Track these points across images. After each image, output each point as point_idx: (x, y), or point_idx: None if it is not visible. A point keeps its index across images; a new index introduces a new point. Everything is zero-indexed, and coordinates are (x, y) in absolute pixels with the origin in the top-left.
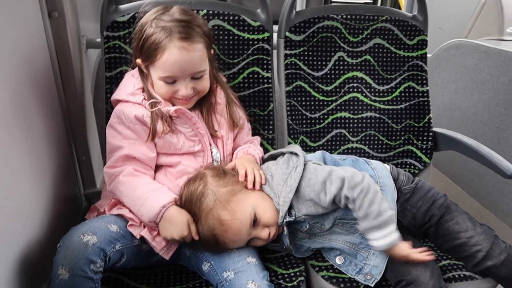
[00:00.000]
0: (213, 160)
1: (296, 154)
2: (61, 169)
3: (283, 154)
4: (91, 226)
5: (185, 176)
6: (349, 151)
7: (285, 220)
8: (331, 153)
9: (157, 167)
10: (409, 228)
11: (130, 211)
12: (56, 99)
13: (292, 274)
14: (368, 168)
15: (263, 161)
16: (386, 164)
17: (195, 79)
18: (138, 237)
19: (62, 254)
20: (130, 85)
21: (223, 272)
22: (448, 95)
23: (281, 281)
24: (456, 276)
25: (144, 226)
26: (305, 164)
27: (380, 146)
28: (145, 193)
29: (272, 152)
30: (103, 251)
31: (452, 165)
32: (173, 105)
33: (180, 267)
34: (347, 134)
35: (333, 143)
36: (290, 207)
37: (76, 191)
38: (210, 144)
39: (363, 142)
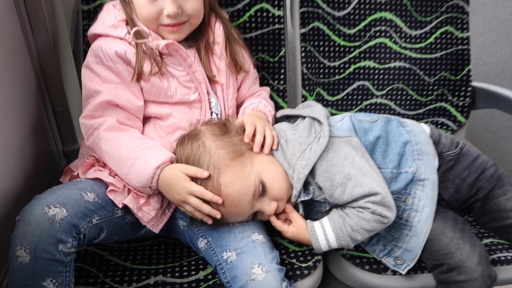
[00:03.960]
0: (212, 113)
1: (319, 121)
2: (32, 122)
3: (303, 117)
4: (60, 195)
5: (178, 131)
6: (372, 107)
7: (300, 199)
8: (351, 109)
9: (145, 120)
10: (450, 202)
11: (110, 173)
12: (21, 37)
13: (307, 252)
14: (402, 132)
15: (276, 120)
16: (424, 125)
17: None
18: (120, 205)
19: (21, 231)
20: (110, 16)
21: (223, 252)
22: (474, 49)
23: (294, 261)
24: (503, 258)
25: (129, 192)
26: (332, 139)
27: (408, 102)
28: (134, 152)
29: (288, 111)
30: (75, 227)
31: (473, 126)
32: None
33: (173, 241)
34: (370, 87)
35: (354, 97)
36: (308, 183)
37: (53, 148)
38: (208, 93)
39: (389, 97)
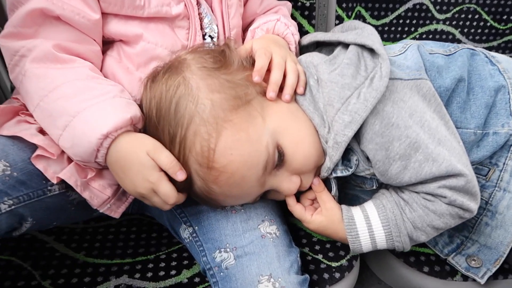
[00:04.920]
0: (204, 35)
1: (372, 50)
2: None
3: (345, 45)
4: None
5: (153, 63)
6: (430, 36)
7: (334, 175)
8: (400, 38)
9: (105, 46)
10: None
11: (41, 130)
12: None
13: (339, 244)
14: (493, 72)
15: (301, 50)
16: None
17: None
18: (54, 181)
19: None
20: None
21: (215, 251)
22: None
23: (320, 257)
24: None
25: (69, 161)
26: (391, 82)
27: (479, 31)
28: (73, 103)
29: (320, 35)
30: None
31: None
32: None
33: (149, 219)
34: (431, 7)
35: (407, 21)
36: (349, 150)
37: None
38: (200, 4)
39: (454, 23)
